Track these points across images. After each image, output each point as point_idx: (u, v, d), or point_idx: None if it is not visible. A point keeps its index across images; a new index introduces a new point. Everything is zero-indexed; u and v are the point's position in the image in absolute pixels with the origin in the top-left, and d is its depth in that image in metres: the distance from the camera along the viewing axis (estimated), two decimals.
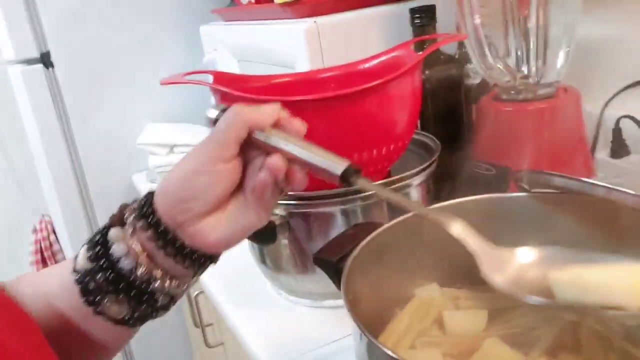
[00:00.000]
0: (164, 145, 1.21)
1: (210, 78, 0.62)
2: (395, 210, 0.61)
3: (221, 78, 0.61)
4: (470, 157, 0.74)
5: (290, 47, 0.84)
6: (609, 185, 0.38)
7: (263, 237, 0.61)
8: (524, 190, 0.49)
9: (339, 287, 0.42)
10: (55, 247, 1.42)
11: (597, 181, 0.40)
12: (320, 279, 0.61)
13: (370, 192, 0.58)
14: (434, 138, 0.69)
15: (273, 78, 0.66)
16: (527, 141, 0.70)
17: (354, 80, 0.63)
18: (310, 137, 0.58)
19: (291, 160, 0.41)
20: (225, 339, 0.91)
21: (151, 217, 0.40)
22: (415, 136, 0.69)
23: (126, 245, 0.40)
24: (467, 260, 0.51)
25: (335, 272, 0.43)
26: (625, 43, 0.78)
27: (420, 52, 0.61)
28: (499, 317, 0.47)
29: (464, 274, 0.52)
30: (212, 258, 0.43)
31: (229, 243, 0.42)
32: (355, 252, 0.44)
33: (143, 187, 1.25)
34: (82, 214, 1.32)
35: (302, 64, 0.82)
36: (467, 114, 0.77)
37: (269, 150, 0.41)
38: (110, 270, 0.40)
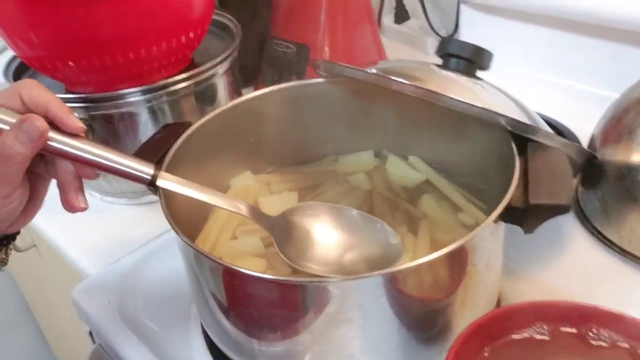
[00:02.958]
0: None
1: None
2: (204, 101, 0.61)
3: None
4: (270, 35, 0.74)
5: None
6: (392, 78, 0.42)
7: None
8: (322, 76, 0.52)
9: (155, 192, 0.42)
10: None
11: (379, 72, 0.44)
12: None
13: (175, 88, 0.57)
14: (233, 19, 0.67)
15: None
16: (321, 15, 0.72)
17: None
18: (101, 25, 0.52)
19: (86, 164, 0.37)
20: (43, 252, 0.85)
21: None
22: (213, 16, 0.67)
23: None
24: (274, 145, 0.54)
25: None
26: None
27: None
28: (309, 194, 0.52)
29: (273, 158, 0.56)
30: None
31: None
32: (171, 153, 0.44)
33: None
34: None
35: None
36: None
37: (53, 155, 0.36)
38: None
